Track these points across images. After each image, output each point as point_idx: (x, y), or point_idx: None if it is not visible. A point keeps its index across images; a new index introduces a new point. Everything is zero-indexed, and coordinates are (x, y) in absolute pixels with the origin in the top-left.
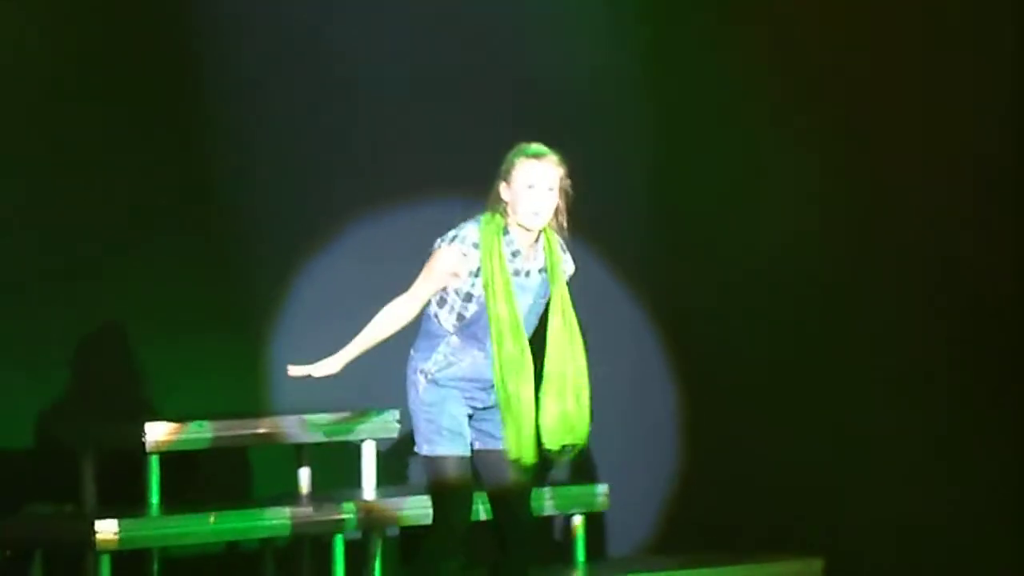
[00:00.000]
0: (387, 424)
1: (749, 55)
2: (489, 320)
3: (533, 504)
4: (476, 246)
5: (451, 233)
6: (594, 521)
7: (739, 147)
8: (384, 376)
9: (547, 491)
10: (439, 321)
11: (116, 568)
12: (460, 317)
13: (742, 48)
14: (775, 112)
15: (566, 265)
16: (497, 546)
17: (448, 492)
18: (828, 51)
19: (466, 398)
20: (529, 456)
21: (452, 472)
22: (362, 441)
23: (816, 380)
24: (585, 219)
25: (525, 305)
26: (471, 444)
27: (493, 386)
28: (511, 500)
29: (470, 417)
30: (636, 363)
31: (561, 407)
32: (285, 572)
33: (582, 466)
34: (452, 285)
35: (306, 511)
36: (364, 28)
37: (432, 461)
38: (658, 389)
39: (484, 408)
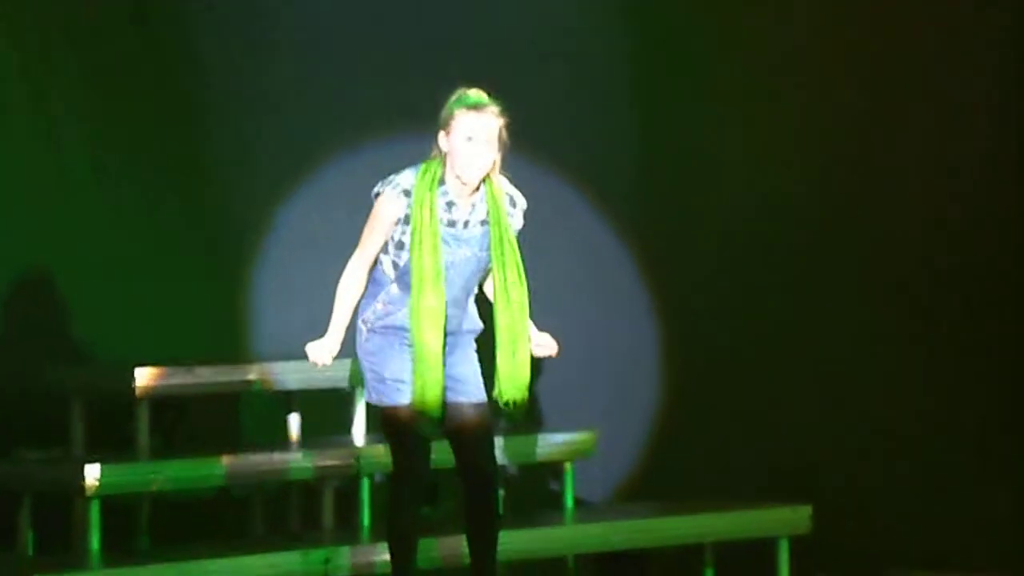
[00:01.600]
0: None
1: (750, 23)
2: (411, 270)
3: (494, 451)
4: (407, 193)
5: (390, 177)
6: (581, 465)
7: (731, 109)
8: None
9: (535, 438)
10: (383, 268)
11: (106, 511)
12: (395, 265)
13: (742, 15)
14: (768, 75)
15: (512, 220)
16: (464, 494)
17: (402, 440)
18: (827, 22)
19: (408, 346)
20: (433, 409)
21: (402, 420)
22: (352, 388)
23: (807, 327)
24: (572, 165)
25: (461, 257)
26: None
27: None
28: (471, 448)
29: None
30: (623, 309)
31: (499, 361)
32: (274, 517)
33: (567, 410)
34: (390, 233)
35: (295, 457)
36: None
37: (382, 411)
38: (645, 335)
39: None
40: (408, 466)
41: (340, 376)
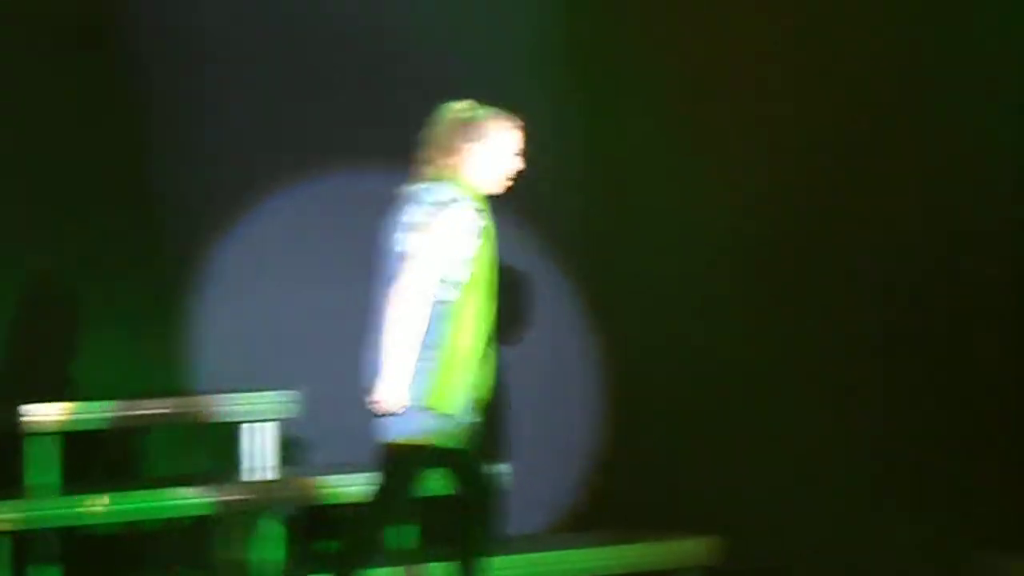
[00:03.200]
0: (286, 405)
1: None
2: (476, 274)
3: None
4: (473, 201)
5: (439, 200)
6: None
7: (686, 127)
8: (282, 356)
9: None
10: (443, 299)
11: (17, 547)
12: (459, 285)
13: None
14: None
15: None
16: (457, 521)
17: (407, 479)
18: (800, 24)
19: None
20: (458, 410)
21: (422, 457)
22: (261, 422)
23: (726, 364)
24: (517, 196)
25: None
26: None
27: None
28: (476, 463)
29: None
30: (552, 342)
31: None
32: (187, 551)
33: (489, 444)
34: (449, 255)
35: (205, 491)
36: None
37: (406, 443)
38: (571, 371)
39: None
40: (395, 507)
41: (261, 410)
